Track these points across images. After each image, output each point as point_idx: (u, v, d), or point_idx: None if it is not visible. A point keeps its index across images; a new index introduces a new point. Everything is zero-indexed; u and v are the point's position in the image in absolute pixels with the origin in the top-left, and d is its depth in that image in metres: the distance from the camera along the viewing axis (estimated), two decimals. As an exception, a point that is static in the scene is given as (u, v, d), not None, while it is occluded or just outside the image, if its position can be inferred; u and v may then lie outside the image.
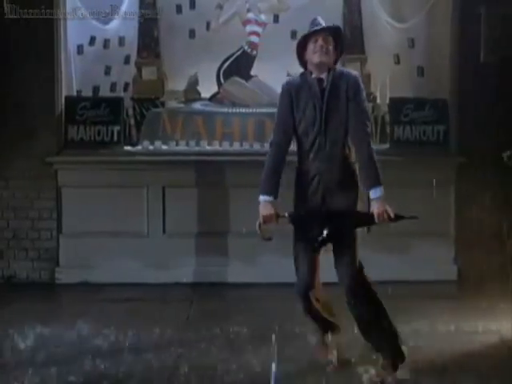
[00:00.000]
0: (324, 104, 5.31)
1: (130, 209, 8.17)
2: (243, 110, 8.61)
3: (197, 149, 8.45)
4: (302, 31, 5.53)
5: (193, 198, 8.17)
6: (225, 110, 8.67)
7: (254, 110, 8.60)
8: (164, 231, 8.26)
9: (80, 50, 8.73)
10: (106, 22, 8.70)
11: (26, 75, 8.03)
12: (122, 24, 8.78)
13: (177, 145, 8.51)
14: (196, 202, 8.19)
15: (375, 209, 5.23)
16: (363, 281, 5.37)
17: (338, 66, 5.49)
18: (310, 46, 5.38)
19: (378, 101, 8.75)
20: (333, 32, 5.42)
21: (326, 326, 5.61)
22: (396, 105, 8.40)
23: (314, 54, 5.36)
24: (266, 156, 5.42)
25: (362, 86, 5.40)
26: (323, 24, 5.39)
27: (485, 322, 6.67)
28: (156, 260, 8.11)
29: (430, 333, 6.39)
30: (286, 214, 5.35)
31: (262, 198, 5.35)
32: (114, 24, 8.76)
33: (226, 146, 8.47)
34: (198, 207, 8.18)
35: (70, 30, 8.46)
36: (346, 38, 8.44)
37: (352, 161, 5.36)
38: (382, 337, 5.39)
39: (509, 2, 8.06)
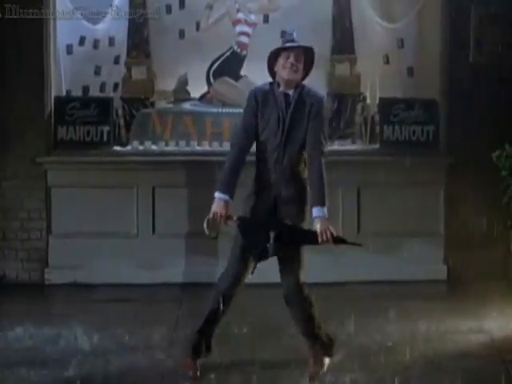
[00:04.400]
0: (287, 118, 5.38)
1: (120, 209, 8.16)
2: (233, 110, 8.59)
3: (186, 149, 8.45)
4: (292, 32, 5.53)
5: (183, 199, 8.16)
6: (214, 110, 8.66)
7: (244, 111, 8.58)
8: (154, 231, 8.25)
9: (70, 49, 8.70)
10: (96, 22, 8.68)
11: (14, 75, 8.00)
12: (112, 24, 8.75)
13: (166, 145, 8.50)
14: (186, 203, 8.18)
15: (318, 227, 5.27)
16: (301, 291, 5.49)
17: (306, 84, 5.53)
18: (281, 61, 5.43)
19: (368, 101, 8.77)
20: (305, 50, 5.45)
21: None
22: (385, 105, 8.41)
23: (283, 70, 5.42)
24: (227, 156, 5.51)
25: (326, 106, 5.56)
26: (297, 39, 5.44)
27: (474, 321, 6.69)
28: (146, 260, 8.10)
29: (420, 333, 6.40)
30: (235, 218, 5.40)
31: (217, 195, 5.46)
32: (104, 24, 8.73)
33: (215, 146, 8.47)
34: (188, 207, 8.17)
35: (60, 29, 8.43)
36: (333, 41, 8.61)
37: (305, 177, 5.43)
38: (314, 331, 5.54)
39: (498, 2, 8.09)
